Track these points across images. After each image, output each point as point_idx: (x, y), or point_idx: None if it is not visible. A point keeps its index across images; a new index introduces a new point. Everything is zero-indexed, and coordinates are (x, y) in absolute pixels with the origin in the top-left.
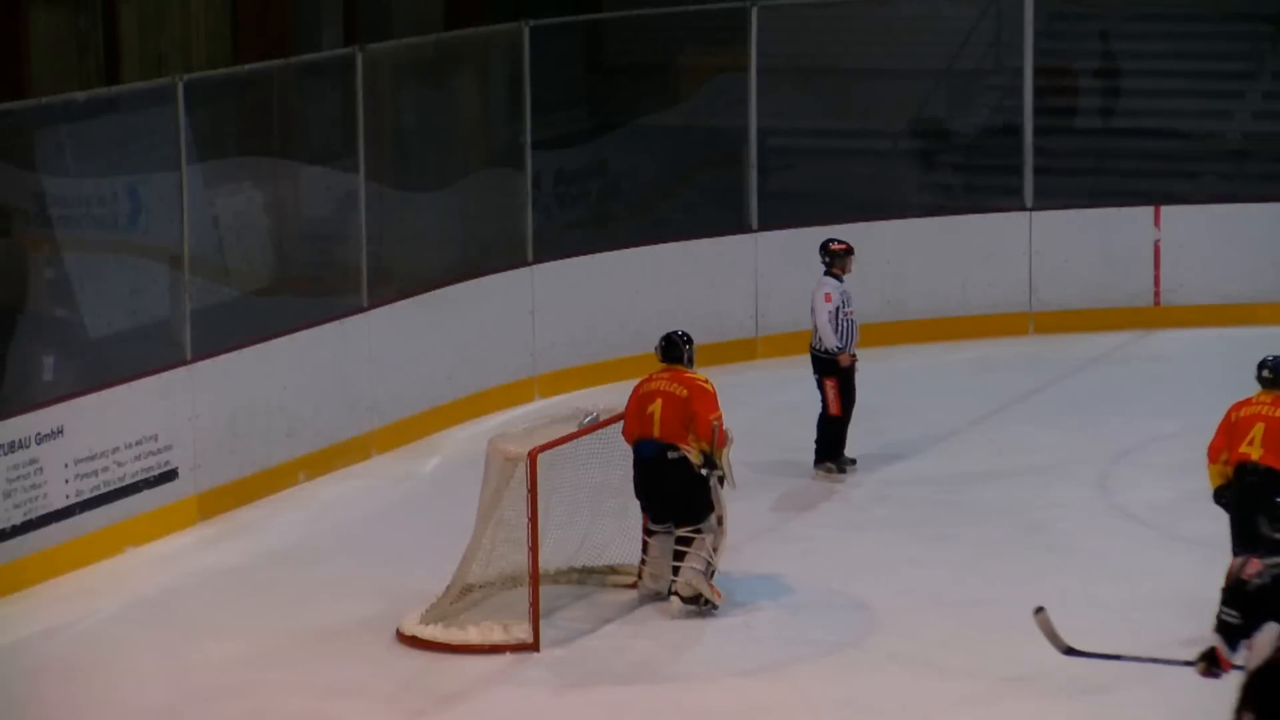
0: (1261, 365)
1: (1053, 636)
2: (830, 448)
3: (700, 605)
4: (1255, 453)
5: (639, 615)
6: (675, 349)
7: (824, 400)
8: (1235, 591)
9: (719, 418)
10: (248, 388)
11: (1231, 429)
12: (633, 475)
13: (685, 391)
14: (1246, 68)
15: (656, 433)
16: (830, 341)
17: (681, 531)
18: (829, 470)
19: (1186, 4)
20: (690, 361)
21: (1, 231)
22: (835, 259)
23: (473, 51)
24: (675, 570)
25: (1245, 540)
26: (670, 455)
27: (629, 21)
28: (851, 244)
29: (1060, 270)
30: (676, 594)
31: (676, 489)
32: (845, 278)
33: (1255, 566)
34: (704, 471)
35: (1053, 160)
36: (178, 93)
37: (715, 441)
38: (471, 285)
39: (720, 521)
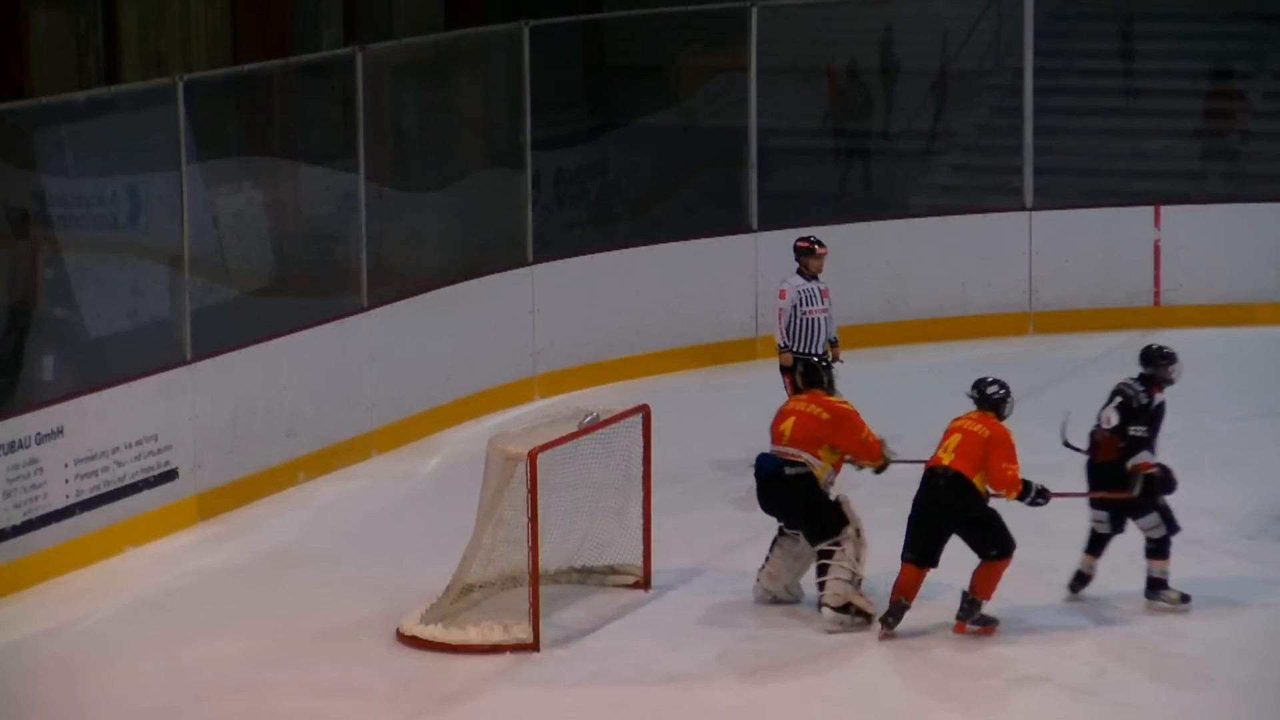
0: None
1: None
2: None
3: (851, 615)
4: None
5: (639, 615)
6: (814, 374)
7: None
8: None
9: (870, 434)
10: (248, 388)
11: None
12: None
13: (825, 415)
14: (1246, 68)
15: (785, 445)
16: (778, 339)
17: (822, 545)
18: None
19: (1186, 4)
20: (831, 387)
21: (18, 233)
22: (799, 256)
23: (473, 51)
24: (821, 585)
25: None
26: (788, 471)
27: (629, 21)
28: (816, 241)
29: (1060, 270)
30: (826, 605)
31: (799, 505)
32: (820, 276)
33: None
34: (827, 488)
35: (1053, 160)
36: (178, 93)
37: (871, 454)
38: (471, 285)
39: (859, 533)
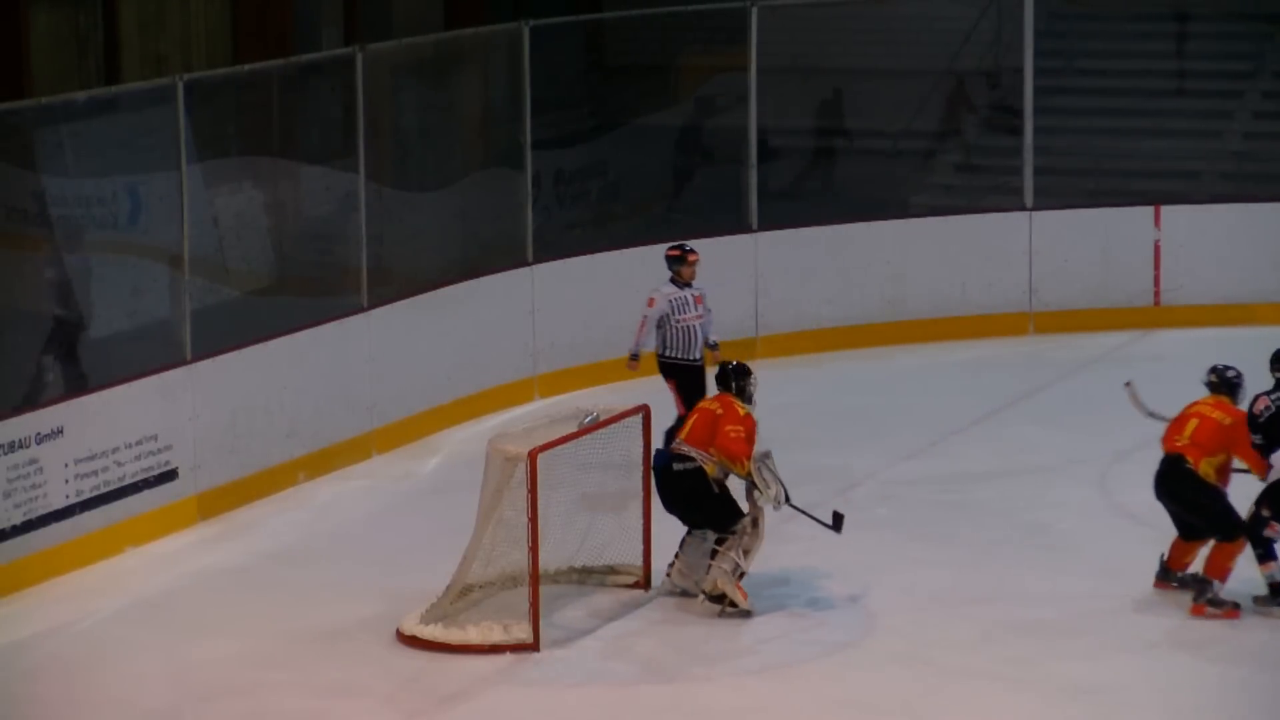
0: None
1: (1137, 404)
2: None
3: (725, 605)
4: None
5: (639, 615)
6: (724, 378)
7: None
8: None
9: (737, 431)
10: (248, 388)
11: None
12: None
13: (720, 410)
14: (1246, 68)
15: (682, 438)
16: (631, 344)
17: (718, 535)
18: None
19: (1186, 4)
20: (740, 393)
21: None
22: (671, 265)
23: (473, 51)
24: (706, 569)
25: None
26: (676, 466)
27: (629, 21)
28: (688, 249)
29: (1060, 270)
30: (704, 592)
31: (689, 500)
32: (695, 284)
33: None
34: (718, 482)
35: (1053, 160)
36: (178, 93)
37: (729, 452)
38: (471, 285)
39: (755, 524)
